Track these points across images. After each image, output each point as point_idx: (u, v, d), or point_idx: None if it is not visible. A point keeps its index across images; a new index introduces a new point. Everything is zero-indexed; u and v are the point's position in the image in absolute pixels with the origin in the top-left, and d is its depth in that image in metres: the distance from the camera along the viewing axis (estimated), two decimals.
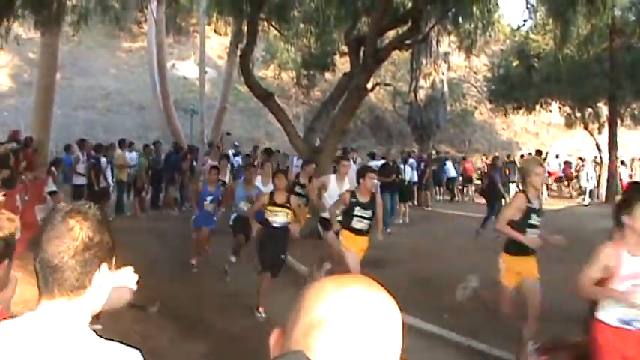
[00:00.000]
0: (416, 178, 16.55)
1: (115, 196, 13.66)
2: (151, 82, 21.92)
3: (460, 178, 20.85)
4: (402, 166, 15.29)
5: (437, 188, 19.75)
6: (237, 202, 8.18)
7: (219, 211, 9.00)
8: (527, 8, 15.09)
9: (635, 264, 3.31)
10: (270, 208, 6.55)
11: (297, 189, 8.97)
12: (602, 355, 3.39)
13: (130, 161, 14.09)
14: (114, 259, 1.41)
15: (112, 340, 1.33)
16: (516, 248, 5.03)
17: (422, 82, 23.57)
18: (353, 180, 7.99)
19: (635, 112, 21.56)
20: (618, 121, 20.20)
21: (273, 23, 14.93)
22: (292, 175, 10.10)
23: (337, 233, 6.71)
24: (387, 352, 0.81)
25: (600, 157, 20.76)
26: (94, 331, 1.33)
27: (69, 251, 1.30)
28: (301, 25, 15.72)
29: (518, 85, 20.91)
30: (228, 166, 12.49)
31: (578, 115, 21.45)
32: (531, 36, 21.42)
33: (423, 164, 17.86)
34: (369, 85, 12.65)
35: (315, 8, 14.25)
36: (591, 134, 21.20)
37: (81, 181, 12.66)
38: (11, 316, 1.37)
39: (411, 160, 16.94)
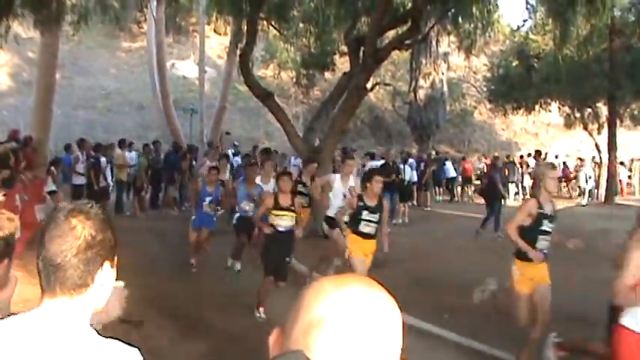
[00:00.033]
0: (415, 178, 16.56)
1: (115, 196, 13.66)
2: (151, 82, 21.92)
3: (459, 178, 20.85)
4: (401, 166, 15.30)
5: (436, 188, 19.75)
6: (239, 201, 8.14)
7: (218, 211, 8.96)
8: (527, 8, 15.14)
9: None
10: (275, 212, 6.44)
11: (300, 188, 8.94)
12: None
13: (129, 161, 14.10)
14: (116, 257, 1.41)
15: (112, 339, 1.33)
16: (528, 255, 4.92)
17: (421, 82, 23.60)
18: (351, 178, 7.99)
19: (635, 112, 21.58)
20: (618, 122, 20.21)
21: (272, 23, 14.93)
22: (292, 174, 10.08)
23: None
24: (387, 352, 0.81)
25: (600, 158, 20.77)
26: (95, 330, 1.33)
27: (71, 250, 1.30)
28: (301, 25, 15.73)
29: (517, 85, 20.91)
30: (228, 165, 12.49)
31: (578, 115, 21.46)
32: (531, 36, 21.42)
33: (422, 164, 17.86)
34: (369, 85, 12.66)
35: (315, 8, 14.26)
36: (591, 134, 21.21)
37: (80, 180, 12.66)
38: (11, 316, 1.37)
39: (411, 160, 16.95)
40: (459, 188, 21.11)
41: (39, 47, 15.52)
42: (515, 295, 5.07)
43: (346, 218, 6.66)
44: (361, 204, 6.30)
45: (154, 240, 10.55)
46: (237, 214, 8.23)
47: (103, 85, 25.89)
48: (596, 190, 20.77)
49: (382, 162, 14.88)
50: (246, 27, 12.93)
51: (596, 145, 20.90)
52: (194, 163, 15.25)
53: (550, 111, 23.24)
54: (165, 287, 7.31)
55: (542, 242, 4.97)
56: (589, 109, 20.96)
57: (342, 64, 18.11)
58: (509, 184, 18.51)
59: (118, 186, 13.76)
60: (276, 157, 15.15)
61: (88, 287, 1.33)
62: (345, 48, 14.62)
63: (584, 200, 19.67)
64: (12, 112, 20.97)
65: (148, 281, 6.87)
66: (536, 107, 21.87)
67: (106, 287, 1.39)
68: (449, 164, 20.21)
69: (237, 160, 15.36)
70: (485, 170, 18.46)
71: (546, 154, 21.05)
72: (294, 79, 24.41)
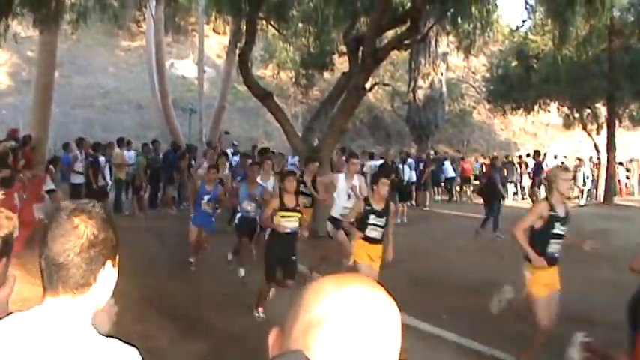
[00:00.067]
0: (414, 178, 16.56)
1: (113, 195, 13.64)
2: (150, 81, 21.89)
3: (458, 179, 20.86)
4: (400, 166, 15.31)
5: (435, 188, 19.77)
6: (240, 201, 8.08)
7: (216, 210, 8.93)
8: (526, 9, 15.15)
9: None
10: (281, 213, 6.28)
11: (301, 188, 8.91)
12: None
13: (128, 160, 14.08)
14: (117, 256, 1.42)
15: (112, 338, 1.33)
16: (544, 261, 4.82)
17: (420, 82, 23.66)
18: (355, 177, 7.97)
19: (634, 113, 21.58)
20: (616, 122, 20.22)
21: (271, 22, 14.94)
22: None
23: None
24: (387, 351, 0.81)
25: (598, 158, 20.79)
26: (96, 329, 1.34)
27: (74, 249, 1.31)
28: (300, 25, 15.73)
29: (516, 85, 20.92)
30: (227, 164, 12.48)
31: (577, 115, 21.48)
32: (530, 36, 21.43)
33: (422, 164, 17.87)
34: (368, 85, 12.67)
35: (314, 8, 14.27)
36: (590, 135, 21.23)
37: (79, 179, 12.65)
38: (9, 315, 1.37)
39: (410, 160, 16.96)
40: (458, 188, 21.12)
41: (38, 46, 15.50)
42: (531, 298, 4.94)
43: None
44: (368, 208, 6.13)
45: (153, 239, 10.54)
46: (239, 215, 8.16)
47: (102, 83, 25.87)
48: (594, 191, 20.79)
49: (381, 162, 14.90)
50: (245, 27, 12.93)
51: (595, 145, 20.93)
52: (193, 162, 15.24)
53: (549, 111, 23.27)
54: (165, 287, 7.30)
55: (554, 245, 4.89)
56: (588, 110, 20.98)
57: (341, 64, 18.11)
58: (508, 184, 18.53)
59: (116, 185, 13.75)
60: (274, 157, 15.15)
61: (90, 286, 1.34)
62: (344, 48, 14.63)
63: (583, 201, 19.69)
64: (11, 111, 20.95)
65: (146, 281, 6.88)
66: (535, 107, 21.88)
67: (108, 286, 1.40)
68: (447, 164, 20.22)
69: (236, 159, 15.35)
70: (484, 170, 18.49)
71: (545, 154, 21.05)
72: (293, 79, 24.41)
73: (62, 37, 16.52)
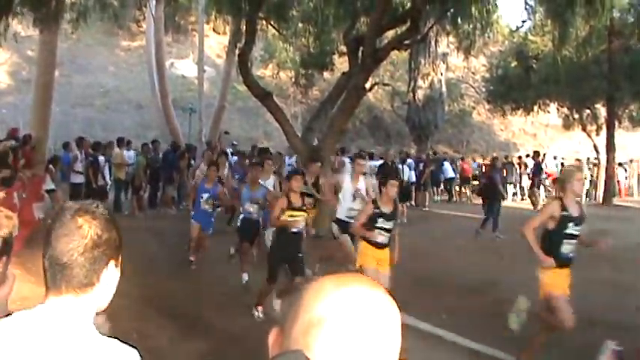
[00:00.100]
0: (414, 178, 16.56)
1: (113, 195, 13.63)
2: (150, 81, 21.88)
3: (458, 179, 20.86)
4: (400, 166, 15.31)
5: (434, 188, 19.77)
6: (242, 202, 7.93)
7: (216, 208, 8.91)
8: (526, 9, 15.15)
9: None
10: (289, 212, 6.19)
11: (304, 188, 8.85)
12: None
13: (127, 160, 14.07)
14: (120, 256, 1.43)
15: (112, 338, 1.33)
16: (557, 262, 4.77)
17: (420, 82, 23.66)
18: (361, 178, 7.89)
19: (634, 113, 21.61)
20: (616, 123, 20.24)
21: (271, 22, 14.94)
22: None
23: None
24: (387, 351, 0.81)
25: (598, 159, 20.80)
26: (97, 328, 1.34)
27: (78, 249, 1.32)
28: (300, 25, 15.73)
29: (516, 85, 20.94)
30: (227, 163, 12.48)
31: (577, 116, 21.50)
32: (530, 37, 21.46)
33: (421, 164, 17.87)
34: (368, 85, 12.67)
35: (314, 8, 14.27)
36: (589, 136, 21.24)
37: (79, 179, 12.65)
38: (9, 314, 1.37)
39: (409, 160, 16.97)
40: (457, 188, 21.12)
41: (38, 45, 15.49)
42: (550, 298, 4.83)
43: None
44: (377, 210, 5.93)
45: (153, 239, 10.54)
46: (242, 216, 7.96)
47: (102, 83, 25.87)
48: (593, 191, 20.79)
49: (381, 162, 14.90)
50: (245, 26, 12.92)
51: (595, 146, 20.94)
52: (192, 162, 15.24)
53: (549, 112, 23.29)
54: (164, 286, 7.30)
55: (567, 246, 4.81)
56: (588, 110, 21.00)
57: (341, 64, 18.12)
58: (508, 184, 18.54)
59: (116, 185, 13.74)
60: (273, 157, 15.15)
61: (93, 286, 1.35)
62: (344, 48, 14.63)
63: (582, 201, 19.67)
64: (11, 111, 20.95)
65: (146, 280, 6.87)
66: (535, 108, 21.91)
67: (111, 286, 1.41)
68: (447, 164, 20.22)
69: (236, 159, 15.36)
70: (483, 170, 18.50)
71: (544, 155, 21.06)
72: (293, 79, 24.43)
73: (62, 37, 16.50)
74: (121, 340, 1.33)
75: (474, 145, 30.65)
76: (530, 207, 16.50)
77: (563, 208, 4.78)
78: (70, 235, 1.32)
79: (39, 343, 1.24)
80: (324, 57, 17.44)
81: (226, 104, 22.69)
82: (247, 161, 13.35)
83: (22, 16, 12.57)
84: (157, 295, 6.76)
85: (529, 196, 18.27)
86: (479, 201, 14.05)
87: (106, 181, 13.14)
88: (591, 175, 20.82)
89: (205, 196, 8.41)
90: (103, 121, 23.01)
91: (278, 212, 6.20)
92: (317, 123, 13.51)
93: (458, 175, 20.69)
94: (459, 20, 14.18)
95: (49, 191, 8.37)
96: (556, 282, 4.78)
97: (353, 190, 7.58)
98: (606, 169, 19.74)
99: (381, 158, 15.71)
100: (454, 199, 20.60)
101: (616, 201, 19.89)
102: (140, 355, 1.35)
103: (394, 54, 19.24)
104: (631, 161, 24.16)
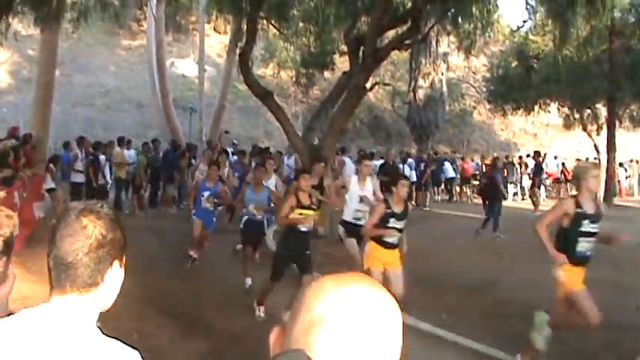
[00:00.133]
0: (414, 178, 16.56)
1: (114, 194, 13.64)
2: (150, 80, 21.90)
3: (458, 179, 20.86)
4: (400, 166, 15.32)
5: (435, 188, 19.78)
6: (247, 204, 7.75)
7: (217, 206, 8.90)
8: (527, 9, 15.08)
9: None
10: (299, 211, 6.13)
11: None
12: None
13: (128, 159, 14.09)
14: (124, 257, 1.44)
15: (113, 338, 1.33)
16: (573, 260, 4.70)
17: (421, 82, 23.66)
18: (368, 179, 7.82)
19: (634, 113, 21.59)
20: (617, 123, 20.23)
21: (272, 22, 14.92)
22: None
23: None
24: (387, 351, 0.81)
25: (598, 159, 20.79)
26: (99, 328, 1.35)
27: (83, 249, 1.33)
28: (301, 24, 15.71)
29: (517, 85, 20.93)
30: (227, 162, 12.49)
31: (577, 116, 21.49)
32: (531, 37, 21.44)
33: (422, 164, 17.87)
34: (368, 85, 12.65)
35: (315, 7, 14.25)
36: (590, 135, 21.23)
37: (79, 178, 12.66)
38: (10, 314, 1.37)
39: (410, 160, 16.98)
40: (458, 188, 21.12)
41: (39, 44, 15.50)
42: (572, 296, 4.73)
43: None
44: (389, 210, 5.87)
45: (153, 238, 10.54)
46: (245, 218, 7.76)
47: (103, 82, 25.87)
48: None
49: (381, 162, 14.91)
50: (246, 26, 12.91)
51: (595, 146, 20.92)
52: (193, 161, 15.25)
53: (549, 112, 23.27)
54: (165, 286, 7.30)
55: (584, 244, 4.72)
56: (588, 110, 20.99)
57: (342, 63, 18.11)
58: (509, 184, 18.53)
59: (116, 184, 13.75)
60: (272, 156, 15.17)
61: (97, 286, 1.35)
62: (344, 47, 14.61)
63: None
64: (11, 110, 20.95)
65: (147, 280, 6.87)
66: (536, 108, 21.89)
67: (115, 286, 1.41)
68: (448, 164, 20.23)
69: (236, 158, 15.38)
70: (484, 170, 18.49)
71: (545, 154, 21.06)
72: (294, 79, 24.43)
73: (63, 36, 16.52)
74: (122, 341, 1.34)
75: (474, 145, 30.65)
76: (531, 207, 16.50)
77: (578, 205, 4.70)
78: (74, 235, 1.33)
79: (42, 342, 1.24)
80: (324, 56, 17.43)
81: (227, 103, 22.70)
82: (248, 161, 13.37)
83: (23, 15, 12.58)
84: (158, 295, 6.76)
85: (530, 196, 18.26)
86: (479, 201, 14.05)
87: (107, 180, 13.15)
88: None
89: (206, 194, 8.40)
90: (103, 120, 23.02)
91: (287, 210, 6.17)
92: (318, 122, 13.50)
93: (458, 175, 20.70)
94: (460, 20, 14.15)
95: (49, 190, 8.37)
96: (574, 279, 4.70)
97: (361, 191, 7.49)
98: (607, 169, 19.71)
99: (382, 158, 15.72)
100: (455, 198, 20.61)
101: (616, 201, 19.88)
102: (141, 355, 1.35)
103: (395, 54, 19.24)
104: (631, 161, 24.17)
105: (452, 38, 21.85)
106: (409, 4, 13.29)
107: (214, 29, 28.33)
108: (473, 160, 22.54)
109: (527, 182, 19.94)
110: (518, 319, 5.84)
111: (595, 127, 21.25)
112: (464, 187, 21.08)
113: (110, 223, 1.37)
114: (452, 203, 19.60)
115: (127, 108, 24.90)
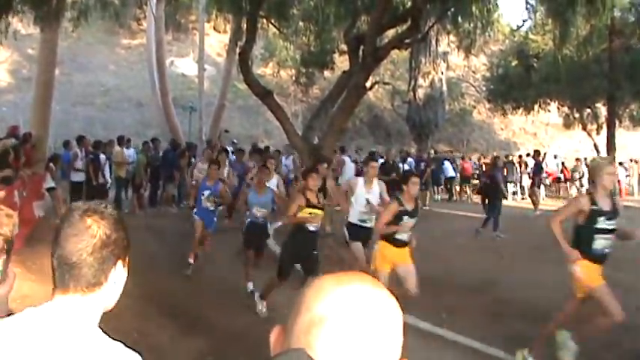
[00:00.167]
0: None
1: (113, 193, 13.63)
2: (150, 79, 21.90)
3: (458, 178, 20.85)
4: (400, 165, 15.32)
5: (435, 187, 19.77)
6: (250, 207, 7.58)
7: (218, 205, 8.88)
8: (527, 8, 15.10)
9: None
10: (309, 210, 6.09)
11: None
12: None
13: (128, 158, 14.07)
14: (128, 256, 1.44)
15: (114, 339, 1.33)
16: (590, 257, 4.62)
17: (421, 81, 23.65)
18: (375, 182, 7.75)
19: (634, 113, 21.59)
20: (617, 122, 20.21)
21: (272, 21, 14.91)
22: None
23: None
24: (388, 350, 0.81)
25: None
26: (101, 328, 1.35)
27: (87, 249, 1.33)
28: (300, 23, 15.71)
29: (517, 85, 20.93)
30: (227, 160, 12.50)
31: (577, 115, 21.51)
32: (530, 36, 21.44)
33: (423, 164, 17.85)
34: (368, 84, 12.65)
35: (315, 6, 14.24)
36: (590, 135, 21.23)
37: (79, 177, 12.64)
38: (10, 313, 1.38)
39: (410, 159, 16.97)
40: (458, 188, 21.12)
41: (38, 43, 15.49)
42: (593, 292, 4.63)
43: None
44: (402, 209, 5.83)
45: (153, 237, 10.53)
46: (248, 220, 7.60)
47: (102, 81, 25.87)
48: None
49: (381, 161, 14.90)
50: (245, 25, 12.90)
51: (595, 145, 20.92)
52: (192, 160, 15.25)
53: (549, 111, 23.27)
54: (165, 285, 7.30)
55: (601, 241, 4.65)
56: (588, 110, 21.00)
57: (342, 62, 18.11)
58: (508, 183, 18.52)
59: (116, 183, 13.73)
60: (272, 156, 15.18)
61: (101, 286, 1.36)
62: (344, 46, 14.60)
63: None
64: (11, 109, 20.95)
65: (147, 279, 6.86)
66: (535, 107, 21.89)
67: (119, 286, 1.42)
68: (447, 164, 20.21)
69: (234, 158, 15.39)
70: (484, 169, 18.48)
71: (545, 154, 21.04)
72: (294, 78, 24.43)
73: (63, 35, 16.49)
74: (123, 343, 1.34)
75: (474, 145, 30.66)
76: (531, 206, 16.49)
77: (593, 202, 4.64)
78: (79, 235, 1.33)
79: (45, 342, 1.24)
80: (324, 55, 17.43)
81: (226, 103, 22.71)
82: (249, 162, 13.37)
83: (23, 14, 12.55)
84: (158, 294, 6.76)
85: (529, 196, 18.24)
86: (479, 200, 14.05)
87: (107, 179, 13.13)
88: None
89: (207, 193, 8.38)
90: (103, 119, 23.02)
91: (295, 210, 6.14)
92: (317, 122, 13.49)
93: (458, 175, 20.69)
94: (460, 19, 14.15)
95: (49, 189, 8.34)
96: (592, 275, 4.62)
97: (367, 194, 7.41)
98: None
99: (382, 157, 15.72)
100: (454, 198, 20.60)
101: (616, 201, 19.85)
102: (142, 356, 1.35)
103: (395, 53, 19.23)
104: (631, 161, 24.15)
105: (452, 37, 21.84)
106: (409, 4, 13.28)
107: (214, 28, 28.33)
108: (470, 159, 22.54)
109: (526, 181, 19.92)
110: (518, 319, 5.86)
111: (595, 126, 21.26)
112: (464, 187, 21.07)
113: (114, 222, 1.38)
114: (452, 202, 19.59)
115: (126, 107, 24.90)
